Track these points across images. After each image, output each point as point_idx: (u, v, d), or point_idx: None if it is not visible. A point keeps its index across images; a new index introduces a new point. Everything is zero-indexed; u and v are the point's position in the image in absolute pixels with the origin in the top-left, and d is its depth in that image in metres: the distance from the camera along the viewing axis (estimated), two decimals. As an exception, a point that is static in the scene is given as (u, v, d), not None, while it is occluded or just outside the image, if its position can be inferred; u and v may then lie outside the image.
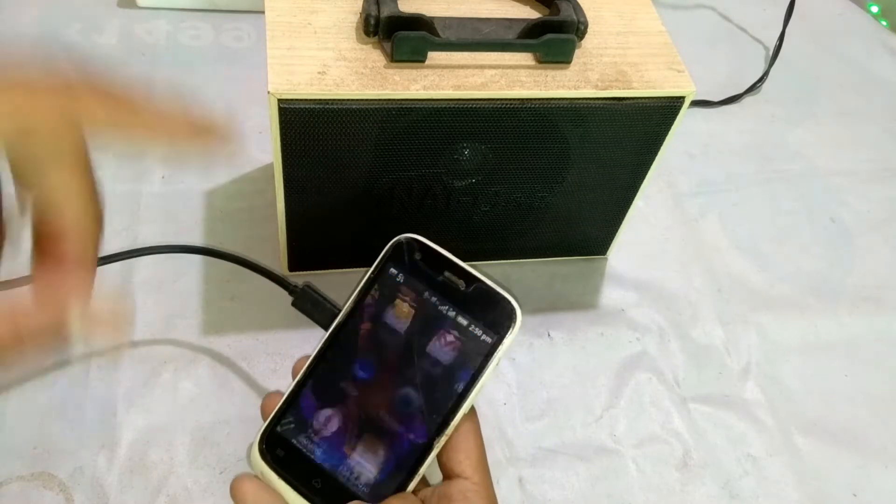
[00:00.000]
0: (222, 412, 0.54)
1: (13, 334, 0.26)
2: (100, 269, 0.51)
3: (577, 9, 0.51)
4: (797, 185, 0.76)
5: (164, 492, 0.50)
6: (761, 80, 0.84)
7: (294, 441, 0.37)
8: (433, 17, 0.49)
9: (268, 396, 0.39)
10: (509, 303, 0.37)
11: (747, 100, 0.83)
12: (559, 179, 0.56)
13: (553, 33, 0.49)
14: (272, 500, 0.36)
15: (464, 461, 0.36)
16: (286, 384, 0.38)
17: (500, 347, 0.36)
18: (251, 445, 0.37)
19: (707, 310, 0.65)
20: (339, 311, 0.39)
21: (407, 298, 0.38)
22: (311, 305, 0.42)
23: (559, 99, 0.49)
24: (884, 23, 0.97)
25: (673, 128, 0.54)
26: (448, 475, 0.36)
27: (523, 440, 0.56)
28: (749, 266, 0.69)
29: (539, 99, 0.49)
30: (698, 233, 0.71)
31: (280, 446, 0.37)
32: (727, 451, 0.57)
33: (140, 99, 0.28)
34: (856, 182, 0.78)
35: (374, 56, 0.49)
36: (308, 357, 0.38)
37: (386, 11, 0.48)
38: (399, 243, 0.38)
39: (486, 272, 0.38)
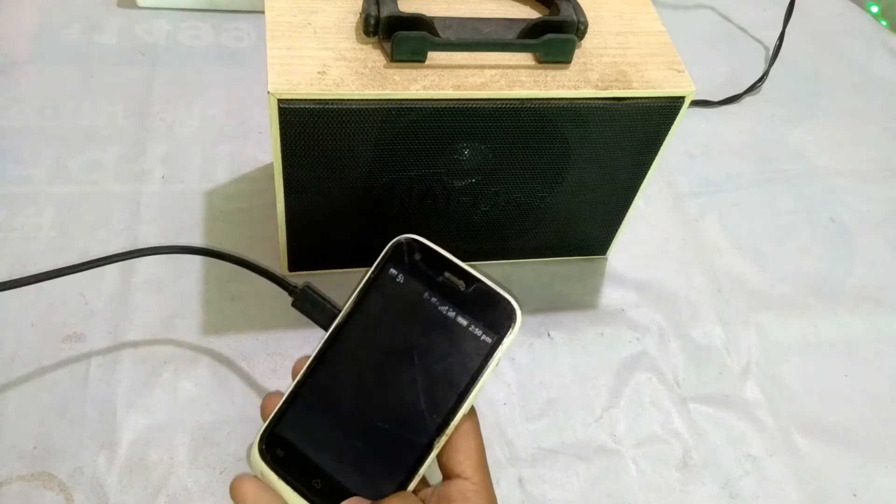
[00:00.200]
0: (222, 412, 0.54)
1: None
2: (100, 269, 0.52)
3: (577, 9, 0.51)
4: (797, 185, 0.76)
5: (164, 492, 0.50)
6: (761, 80, 0.84)
7: (294, 441, 0.37)
8: (433, 17, 0.49)
9: (268, 397, 0.38)
10: (509, 303, 0.37)
11: (747, 100, 0.83)
12: (559, 179, 0.56)
13: (553, 33, 0.49)
14: (272, 500, 0.36)
15: (464, 461, 0.36)
16: (286, 384, 0.38)
17: (500, 347, 0.36)
18: (251, 446, 0.37)
19: (707, 310, 0.65)
20: (339, 311, 0.38)
21: (407, 299, 0.38)
22: (311, 306, 0.42)
23: (559, 99, 0.49)
24: (884, 23, 0.97)
25: (673, 128, 0.54)
26: (448, 475, 0.36)
27: (523, 440, 0.56)
28: (749, 266, 0.69)
29: (539, 99, 0.49)
30: (698, 233, 0.71)
31: (280, 446, 0.37)
32: (727, 451, 0.57)
33: None
34: (856, 182, 0.78)
35: (374, 56, 0.49)
36: (308, 357, 0.38)
37: (386, 11, 0.48)
38: (399, 244, 0.38)
39: (486, 272, 0.38)
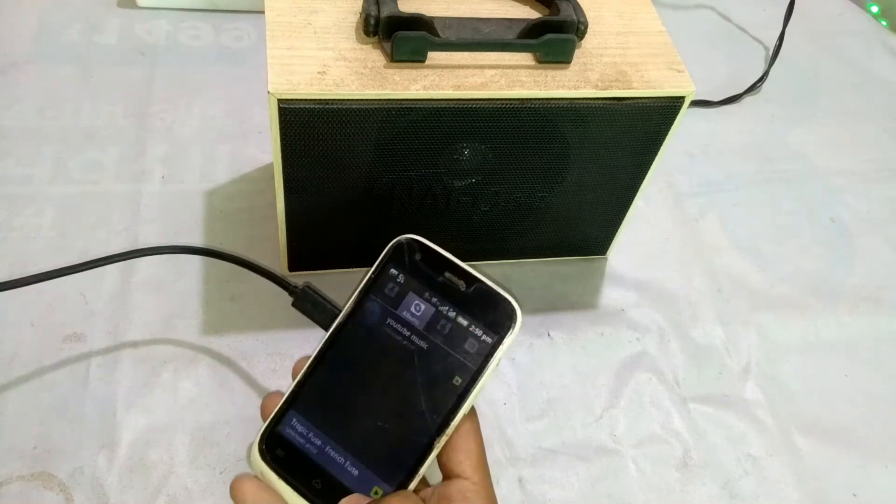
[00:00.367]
0: (222, 412, 0.54)
1: None
2: (100, 269, 0.51)
3: (577, 9, 0.51)
4: (797, 185, 0.76)
5: (164, 492, 0.50)
6: (761, 80, 0.84)
7: (294, 441, 0.37)
8: (433, 17, 0.49)
9: (268, 396, 0.38)
10: (510, 303, 0.37)
11: (747, 100, 0.83)
12: (559, 179, 0.56)
13: (553, 33, 0.49)
14: (272, 500, 0.36)
15: (464, 461, 0.36)
16: (286, 384, 0.38)
17: (501, 348, 0.36)
18: (251, 445, 0.37)
19: (707, 310, 0.65)
20: (340, 311, 0.38)
21: (407, 299, 0.38)
22: (312, 306, 0.42)
23: (559, 99, 0.49)
24: (884, 23, 0.97)
25: (673, 128, 0.54)
26: (448, 475, 0.36)
27: (523, 440, 0.56)
28: (749, 266, 0.69)
29: (539, 99, 0.49)
30: (698, 233, 0.71)
31: (280, 446, 0.37)
32: (727, 451, 0.57)
33: None
34: (856, 182, 0.78)
35: (374, 56, 0.49)
36: (308, 357, 0.38)
37: (386, 11, 0.48)
38: (399, 244, 0.38)
39: (486, 272, 0.38)
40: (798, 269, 0.70)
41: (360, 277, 0.38)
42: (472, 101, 0.48)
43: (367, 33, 0.49)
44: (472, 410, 0.37)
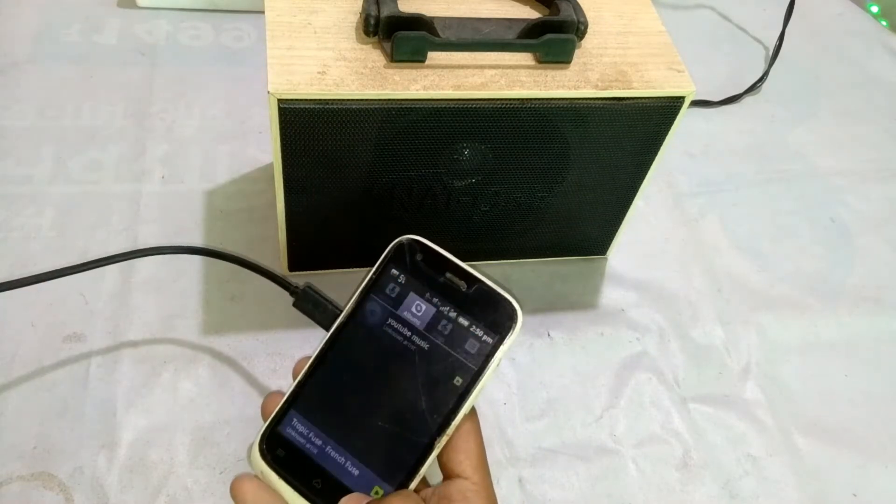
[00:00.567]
0: (222, 412, 0.54)
1: None
2: (100, 269, 0.51)
3: (577, 9, 0.51)
4: (797, 185, 0.76)
5: (164, 492, 0.50)
6: (761, 80, 0.84)
7: (294, 441, 0.37)
8: (433, 17, 0.49)
9: (268, 396, 0.38)
10: (510, 304, 0.37)
11: (747, 100, 0.83)
12: (559, 179, 0.56)
13: (553, 33, 0.49)
14: (272, 500, 0.36)
15: (464, 461, 0.36)
16: (286, 384, 0.38)
17: (501, 348, 0.36)
18: (251, 445, 0.37)
19: (707, 310, 0.65)
20: (341, 311, 0.38)
21: (408, 299, 0.38)
22: (313, 306, 0.42)
23: (559, 99, 0.49)
24: (884, 23, 0.97)
25: (673, 128, 0.54)
26: (448, 475, 0.36)
27: (523, 440, 0.56)
28: (749, 266, 0.69)
29: (539, 99, 0.49)
30: (698, 233, 0.71)
31: (280, 446, 0.37)
32: (727, 451, 0.57)
33: None
34: (856, 182, 0.78)
35: (374, 56, 0.49)
36: (309, 358, 0.38)
37: (386, 11, 0.48)
38: (400, 244, 0.38)
39: (487, 272, 0.38)
40: (798, 269, 0.70)
41: (360, 278, 0.38)
42: (472, 101, 0.48)
43: (367, 33, 0.49)
44: (473, 410, 0.37)
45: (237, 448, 0.52)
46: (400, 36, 0.47)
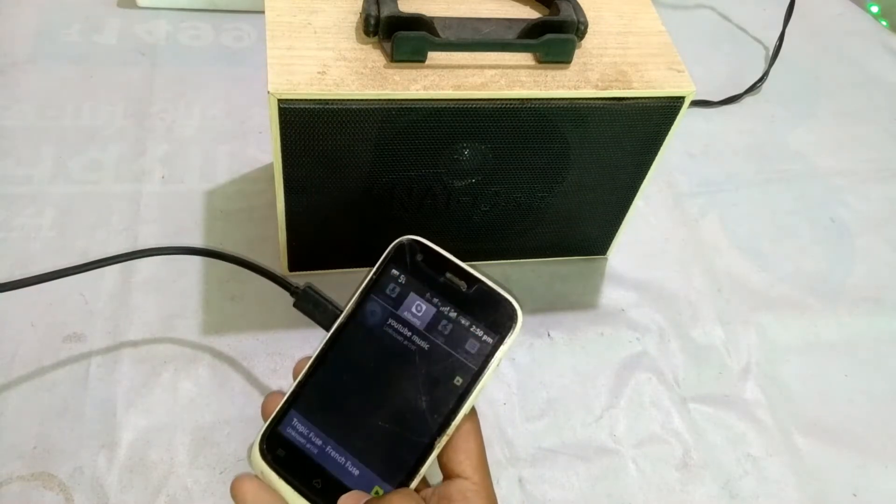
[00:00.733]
0: (222, 412, 0.54)
1: None
2: (100, 269, 0.51)
3: (577, 9, 0.51)
4: (797, 185, 0.76)
5: (164, 492, 0.50)
6: (761, 80, 0.84)
7: (295, 441, 0.37)
8: (433, 17, 0.49)
9: (268, 396, 0.38)
10: (510, 304, 0.37)
11: (747, 100, 0.83)
12: (559, 179, 0.56)
13: (553, 33, 0.49)
14: (272, 500, 0.36)
15: (464, 461, 0.36)
16: (286, 384, 0.38)
17: (502, 348, 0.36)
18: (252, 445, 0.37)
19: (707, 310, 0.65)
20: (341, 312, 0.38)
21: (408, 299, 0.38)
22: (313, 306, 0.42)
23: (559, 99, 0.49)
24: (884, 23, 0.97)
25: (673, 128, 0.54)
26: (448, 475, 0.36)
27: (523, 440, 0.56)
28: (749, 266, 0.69)
29: (539, 99, 0.49)
30: (698, 233, 0.71)
31: (281, 446, 0.37)
32: (727, 451, 0.57)
33: None
34: (856, 182, 0.78)
35: (374, 56, 0.49)
36: (309, 358, 0.38)
37: (386, 11, 0.48)
38: (401, 245, 0.38)
39: (487, 272, 0.38)
40: (798, 269, 0.70)
41: (360, 278, 0.38)
42: (472, 101, 0.48)
43: (367, 33, 0.49)
44: (473, 410, 0.37)
45: (237, 448, 0.52)
46: (400, 36, 0.47)
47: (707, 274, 0.68)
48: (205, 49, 0.77)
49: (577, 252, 0.66)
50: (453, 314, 0.37)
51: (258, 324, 0.58)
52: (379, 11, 0.48)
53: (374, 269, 0.38)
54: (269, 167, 0.68)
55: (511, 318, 0.37)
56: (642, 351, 0.62)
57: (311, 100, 0.46)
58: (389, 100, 0.47)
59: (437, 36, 0.49)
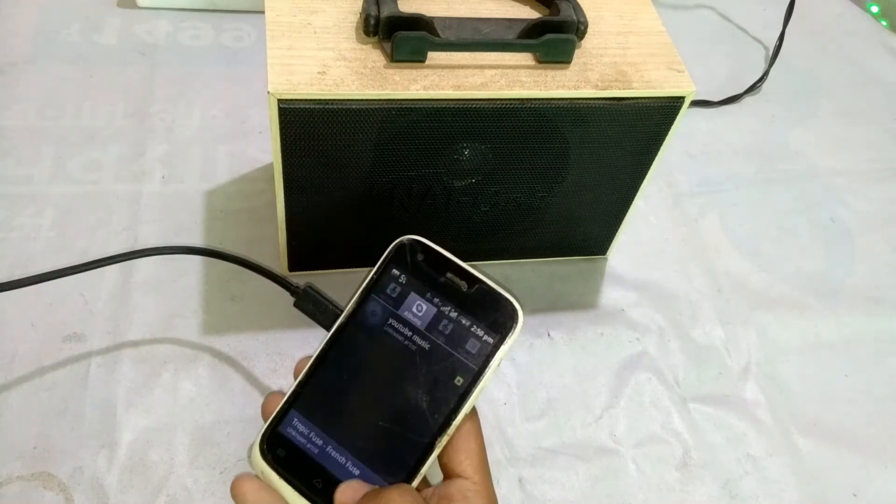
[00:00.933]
0: (222, 412, 0.54)
1: None
2: (100, 269, 0.51)
3: (577, 9, 0.51)
4: (797, 185, 0.76)
5: (164, 492, 0.50)
6: (761, 80, 0.84)
7: (295, 441, 0.37)
8: (433, 17, 0.49)
9: (268, 397, 0.38)
10: (511, 304, 0.37)
11: (747, 100, 0.83)
12: (559, 179, 0.56)
13: (553, 33, 0.49)
14: (272, 500, 0.36)
15: (464, 461, 0.36)
16: (286, 384, 0.38)
17: (502, 348, 0.36)
18: (252, 445, 0.37)
19: (707, 310, 0.65)
20: (342, 311, 0.38)
21: (409, 299, 0.38)
22: (314, 306, 0.42)
23: (559, 99, 0.49)
24: (884, 23, 0.97)
25: (673, 128, 0.54)
26: (448, 475, 0.36)
27: (523, 440, 0.56)
28: (749, 266, 0.69)
29: (539, 99, 0.49)
30: (698, 233, 0.71)
31: (281, 446, 0.37)
32: (727, 451, 0.57)
33: None
34: (856, 182, 0.78)
35: (374, 56, 0.49)
36: (310, 357, 0.38)
37: (386, 11, 0.48)
38: (401, 245, 0.38)
39: (487, 272, 0.38)
40: (798, 269, 0.70)
41: (360, 278, 0.38)
42: (472, 101, 0.48)
43: (367, 33, 0.49)
44: (474, 410, 0.37)
45: (237, 448, 0.52)
46: (400, 36, 0.47)
47: (707, 274, 0.68)
48: (205, 49, 0.77)
49: (577, 252, 0.66)
50: (454, 314, 0.37)
51: (258, 324, 0.58)
52: (379, 11, 0.48)
53: (375, 269, 0.38)
54: (269, 167, 0.68)
55: (512, 318, 0.37)
56: (642, 351, 0.62)
57: (311, 100, 0.46)
58: (389, 100, 0.47)
59: (437, 36, 0.49)
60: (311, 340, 0.39)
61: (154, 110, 0.71)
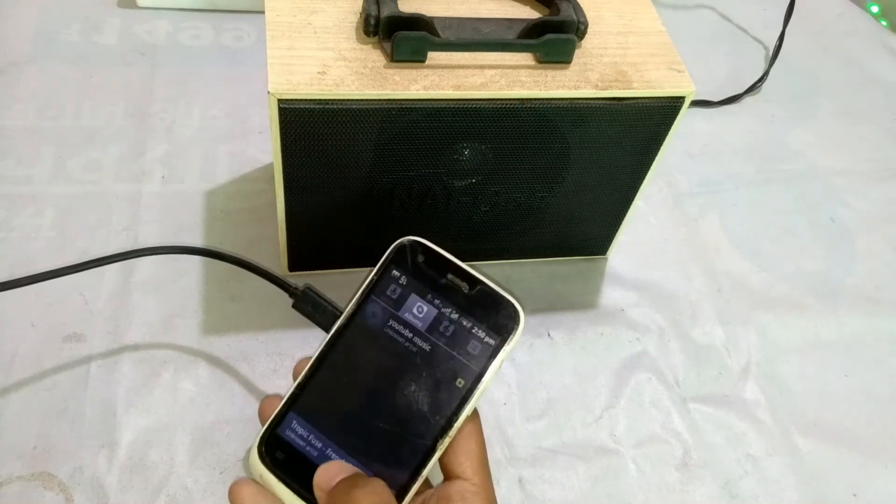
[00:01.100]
0: (222, 412, 0.54)
1: None
2: (100, 269, 0.51)
3: (577, 9, 0.51)
4: (797, 185, 0.76)
5: (164, 492, 0.50)
6: (761, 80, 0.84)
7: (294, 443, 0.37)
8: (433, 17, 0.49)
9: (265, 400, 0.38)
10: (512, 305, 0.37)
11: (747, 100, 0.83)
12: (559, 179, 0.56)
13: (553, 33, 0.49)
14: (270, 503, 0.36)
15: (465, 462, 0.36)
16: (286, 384, 0.38)
17: (504, 349, 0.36)
18: (250, 449, 0.37)
19: (707, 310, 0.65)
20: (341, 313, 0.38)
21: (409, 301, 0.37)
22: (312, 307, 0.42)
23: (559, 99, 0.49)
24: (884, 23, 0.97)
25: (673, 128, 0.54)
26: (449, 476, 0.36)
27: (523, 440, 0.56)
28: (749, 266, 0.69)
29: (539, 99, 0.49)
30: (698, 233, 0.71)
31: (280, 448, 0.37)
32: (727, 451, 0.57)
33: None
34: (856, 182, 0.78)
35: (374, 56, 0.49)
36: (309, 359, 0.38)
37: (386, 11, 0.48)
38: (402, 246, 0.38)
39: (487, 273, 0.38)
40: (798, 269, 0.70)
41: (360, 278, 0.38)
42: (472, 101, 0.48)
43: (367, 33, 0.49)
44: (475, 412, 0.37)
45: (237, 448, 0.52)
46: (400, 36, 0.47)
47: (707, 274, 0.68)
48: (205, 49, 0.77)
49: (577, 252, 0.66)
50: (455, 315, 0.37)
51: (258, 324, 0.58)
52: (379, 11, 0.48)
53: (375, 270, 0.38)
54: (269, 167, 0.68)
55: (513, 320, 0.36)
56: (642, 351, 0.62)
57: (311, 100, 0.46)
58: (389, 100, 0.47)
59: (437, 36, 0.49)
60: (312, 340, 0.39)
61: (154, 110, 0.71)
